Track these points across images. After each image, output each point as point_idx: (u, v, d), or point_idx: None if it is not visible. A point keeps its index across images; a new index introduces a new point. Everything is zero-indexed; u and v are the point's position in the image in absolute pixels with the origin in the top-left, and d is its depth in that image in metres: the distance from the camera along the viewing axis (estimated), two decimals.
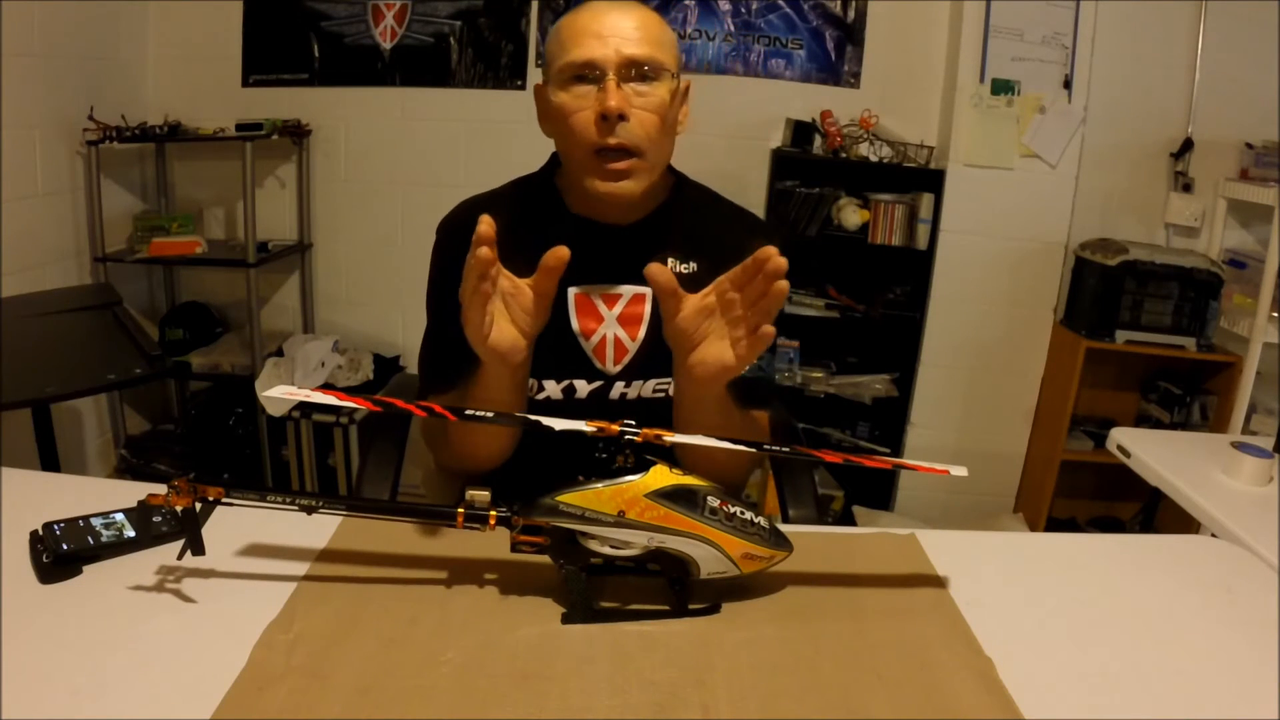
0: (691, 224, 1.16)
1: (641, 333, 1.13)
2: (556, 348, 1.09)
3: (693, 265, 1.14)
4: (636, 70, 1.02)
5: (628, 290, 1.13)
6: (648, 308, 1.13)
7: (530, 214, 1.15)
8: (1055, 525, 2.86)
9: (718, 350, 0.91)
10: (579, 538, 0.81)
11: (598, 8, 1.04)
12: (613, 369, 1.13)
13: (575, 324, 1.11)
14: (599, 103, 1.01)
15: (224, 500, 0.78)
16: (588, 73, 1.02)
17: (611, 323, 1.12)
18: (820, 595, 0.89)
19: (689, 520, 0.80)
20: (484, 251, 0.83)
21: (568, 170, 1.11)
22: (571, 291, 1.12)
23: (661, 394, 1.15)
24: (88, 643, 0.75)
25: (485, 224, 0.83)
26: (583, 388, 1.13)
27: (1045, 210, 2.77)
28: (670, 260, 1.14)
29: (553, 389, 1.12)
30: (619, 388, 1.14)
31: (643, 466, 0.81)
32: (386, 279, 3.00)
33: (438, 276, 1.16)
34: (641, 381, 1.14)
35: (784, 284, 0.84)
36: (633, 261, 1.11)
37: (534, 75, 2.85)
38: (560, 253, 0.87)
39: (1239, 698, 0.78)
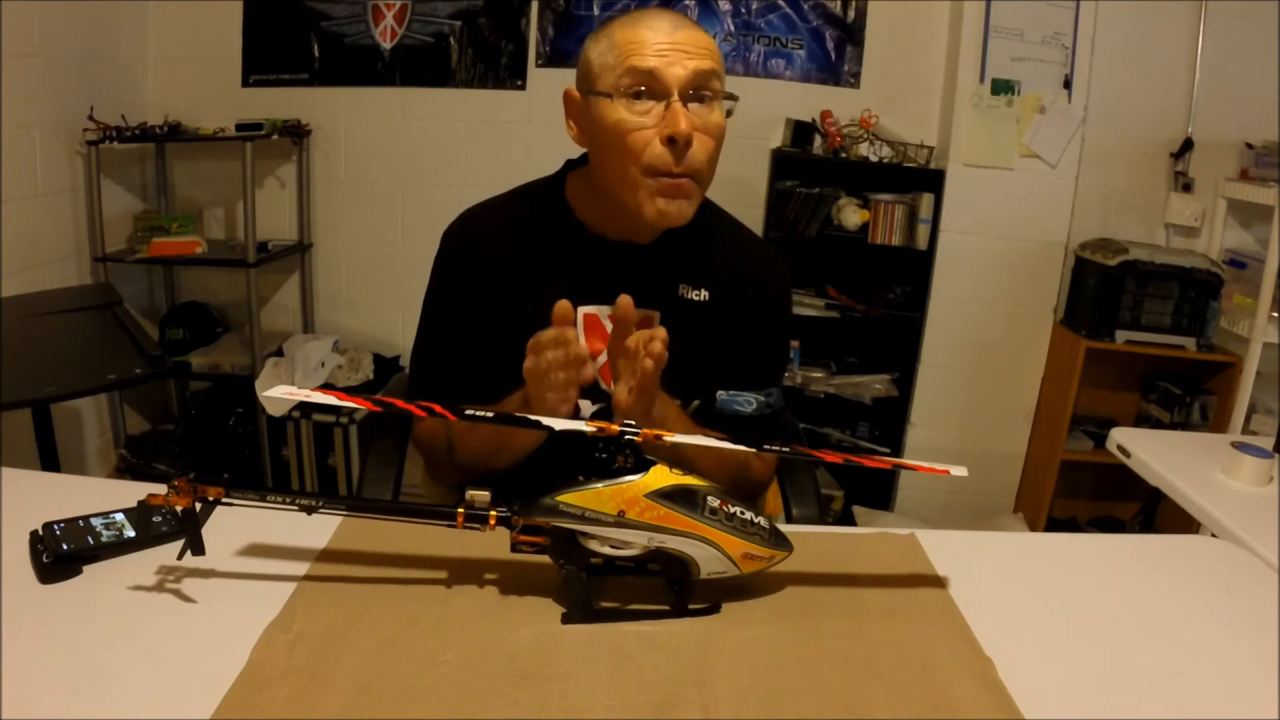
0: (705, 249, 1.14)
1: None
2: None
3: (704, 293, 1.13)
4: (698, 90, 0.98)
5: (635, 313, 1.12)
6: None
7: (539, 227, 1.13)
8: (1055, 525, 2.86)
9: (620, 389, 0.95)
10: (579, 538, 0.81)
11: (654, 22, 0.98)
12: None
13: (582, 344, 1.10)
14: (668, 125, 0.96)
15: (224, 500, 0.78)
16: (651, 86, 0.97)
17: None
18: (820, 595, 0.89)
19: (689, 520, 0.80)
20: (588, 372, 0.91)
21: (608, 187, 1.05)
22: (580, 311, 1.10)
23: None
24: (88, 643, 0.75)
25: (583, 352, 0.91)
26: (587, 408, 1.12)
27: (1045, 210, 2.76)
28: (682, 286, 1.13)
29: None
30: None
31: (643, 466, 0.81)
32: (386, 279, 3.00)
33: (437, 294, 1.15)
34: None
35: (648, 363, 0.89)
36: (644, 283, 1.10)
37: (534, 75, 2.84)
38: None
39: (1239, 698, 0.78)
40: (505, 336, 0.99)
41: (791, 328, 1.24)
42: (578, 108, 1.06)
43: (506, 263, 1.11)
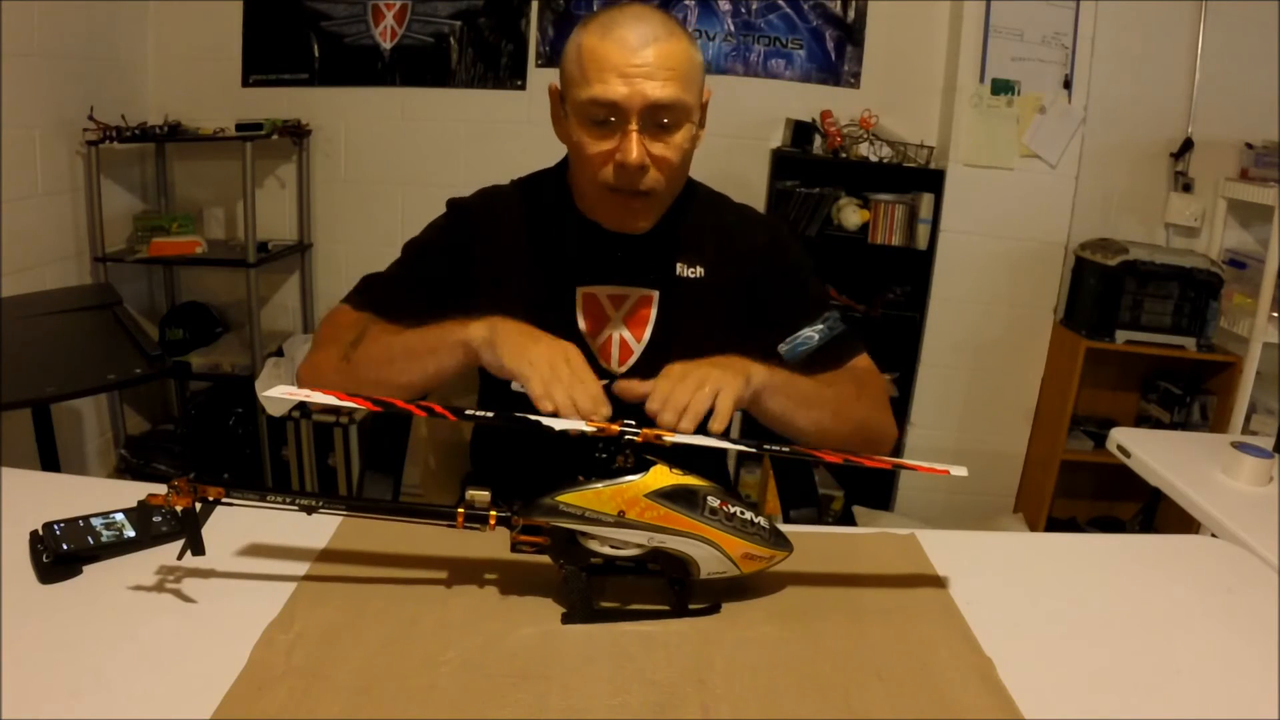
0: (699, 228, 1.16)
1: (647, 334, 1.13)
2: None
3: (699, 270, 1.15)
4: (658, 117, 0.99)
5: (634, 293, 1.13)
6: (654, 310, 1.13)
7: (542, 212, 1.15)
8: (1055, 525, 2.86)
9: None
10: (579, 538, 0.81)
11: (623, 37, 0.98)
12: (617, 369, 1.13)
13: (582, 324, 1.12)
14: (620, 152, 0.99)
15: (224, 500, 0.78)
16: (610, 117, 0.99)
17: (617, 324, 1.13)
18: (820, 595, 0.89)
19: (689, 520, 0.80)
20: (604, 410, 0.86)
21: (579, 186, 1.10)
22: (579, 292, 1.12)
23: None
24: (88, 643, 0.75)
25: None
26: None
27: (1045, 210, 2.76)
28: (678, 265, 1.14)
29: None
30: None
31: (643, 466, 0.81)
32: None
33: (428, 247, 1.18)
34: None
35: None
36: (640, 264, 1.13)
37: (534, 75, 2.84)
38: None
39: (1239, 698, 0.78)
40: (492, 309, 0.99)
41: (808, 262, 1.21)
42: (558, 104, 1.09)
43: (511, 248, 1.14)
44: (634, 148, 0.98)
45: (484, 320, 0.95)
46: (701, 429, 0.87)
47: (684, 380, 0.89)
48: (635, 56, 0.97)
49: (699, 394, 0.88)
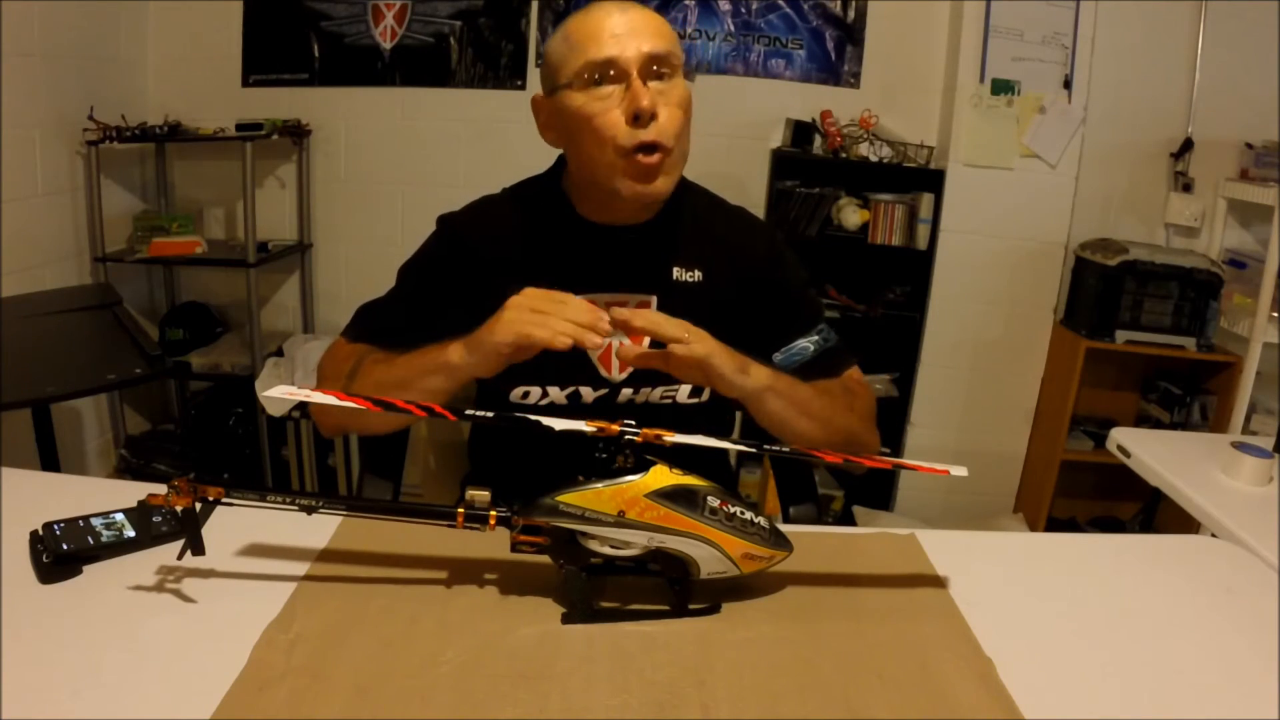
0: (696, 230, 1.16)
1: (646, 342, 1.12)
2: (561, 354, 1.08)
3: (697, 274, 1.14)
4: (657, 67, 1.01)
5: (632, 299, 1.12)
6: None
7: (538, 218, 1.15)
8: (1055, 525, 2.86)
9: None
10: (579, 538, 0.81)
11: (605, 8, 1.02)
12: (617, 377, 1.13)
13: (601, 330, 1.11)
14: (630, 102, 0.99)
15: (224, 500, 0.78)
16: (609, 72, 1.00)
17: (616, 331, 1.12)
18: (820, 595, 0.89)
19: (689, 520, 0.80)
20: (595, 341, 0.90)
21: (586, 175, 1.08)
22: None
23: (669, 400, 1.14)
24: (88, 643, 0.74)
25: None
26: (588, 394, 1.13)
27: (1045, 210, 2.77)
28: (675, 270, 1.14)
29: (556, 395, 1.12)
30: (626, 394, 1.13)
31: (643, 466, 0.81)
32: (386, 279, 2.94)
33: (423, 265, 1.18)
34: (649, 389, 1.13)
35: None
36: (639, 268, 1.12)
37: (534, 75, 2.84)
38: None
39: (1239, 698, 0.78)
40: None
41: (803, 273, 1.22)
42: (547, 109, 1.09)
43: (507, 256, 1.13)
44: (643, 93, 0.99)
45: (459, 340, 0.96)
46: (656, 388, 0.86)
47: (677, 323, 0.94)
48: (619, 21, 1.01)
49: (680, 332, 0.93)
